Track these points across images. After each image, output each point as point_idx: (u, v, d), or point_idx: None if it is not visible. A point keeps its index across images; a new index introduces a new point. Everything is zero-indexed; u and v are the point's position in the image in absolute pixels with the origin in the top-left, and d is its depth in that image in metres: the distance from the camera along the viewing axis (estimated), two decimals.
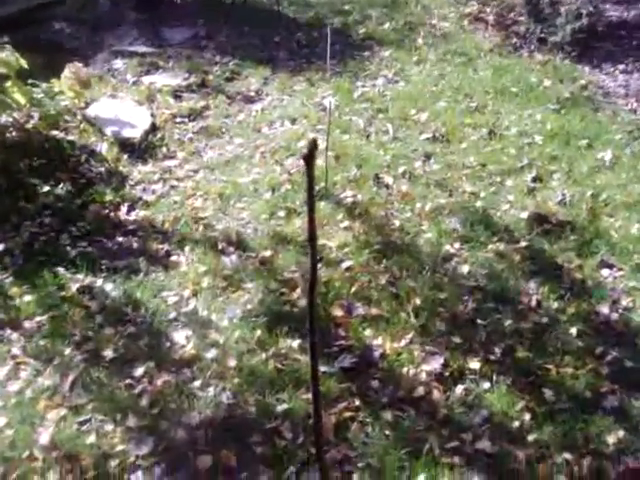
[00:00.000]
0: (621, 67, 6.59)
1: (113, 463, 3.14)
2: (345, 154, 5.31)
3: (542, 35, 6.89)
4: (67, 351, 3.71)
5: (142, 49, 6.70)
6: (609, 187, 4.98)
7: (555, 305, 4.03)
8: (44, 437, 3.24)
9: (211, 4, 7.90)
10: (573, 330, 3.85)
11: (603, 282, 4.22)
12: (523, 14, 7.29)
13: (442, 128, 5.68)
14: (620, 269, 4.32)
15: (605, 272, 4.30)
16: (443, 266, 4.29)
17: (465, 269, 4.27)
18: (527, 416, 3.36)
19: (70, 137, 5.41)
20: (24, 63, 5.21)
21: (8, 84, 5.20)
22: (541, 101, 6.06)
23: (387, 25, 7.64)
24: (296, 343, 3.74)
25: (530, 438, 3.26)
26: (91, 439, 3.24)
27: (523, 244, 4.47)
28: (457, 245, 4.46)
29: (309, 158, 1.82)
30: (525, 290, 4.12)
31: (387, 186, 5.02)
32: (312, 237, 1.99)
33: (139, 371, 3.59)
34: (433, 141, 5.56)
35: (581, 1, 6.79)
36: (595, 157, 5.33)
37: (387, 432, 3.27)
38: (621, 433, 3.24)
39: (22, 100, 5.31)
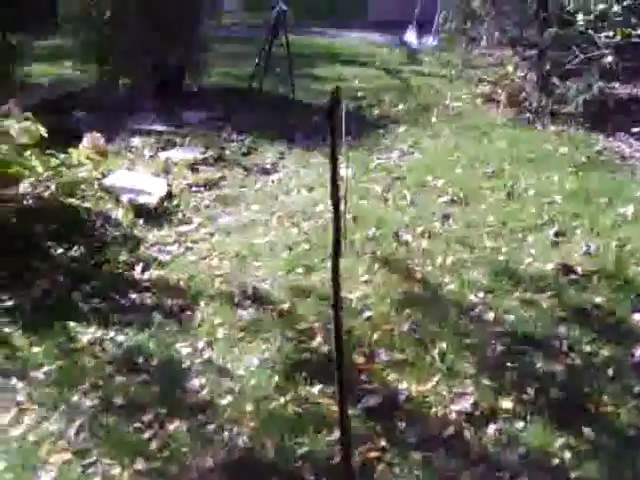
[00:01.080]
0: (635, 135, 6.59)
1: None
2: (363, 216, 5.24)
3: (554, 108, 6.95)
4: (74, 398, 3.53)
5: (159, 128, 6.82)
6: (634, 239, 4.85)
7: (588, 348, 3.82)
8: (46, 478, 3.02)
9: (228, 91, 8.14)
10: (609, 371, 3.63)
11: (636, 326, 4.01)
12: (534, 92, 7.40)
13: (460, 192, 5.63)
14: None
15: (637, 317, 4.10)
16: (468, 314, 4.12)
17: (491, 315, 4.10)
18: (568, 454, 3.10)
19: (86, 204, 5.40)
20: (44, 132, 5.29)
21: (27, 153, 5.27)
22: (558, 165, 6.03)
23: (400, 107, 7.79)
24: (316, 389, 3.53)
25: (573, 475, 2.99)
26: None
27: (549, 293, 4.30)
28: (481, 295, 4.29)
29: (332, 108, 1.74)
30: (555, 334, 3.93)
31: (406, 243, 4.92)
32: (336, 203, 1.86)
33: (149, 417, 3.39)
34: (451, 204, 5.50)
35: (591, 78, 6.87)
36: (617, 212, 5.23)
37: (416, 472, 3.02)
38: None
39: (40, 169, 5.37)
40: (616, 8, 5.74)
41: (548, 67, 6.70)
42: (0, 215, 4.97)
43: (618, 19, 5.70)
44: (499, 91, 7.80)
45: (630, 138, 6.57)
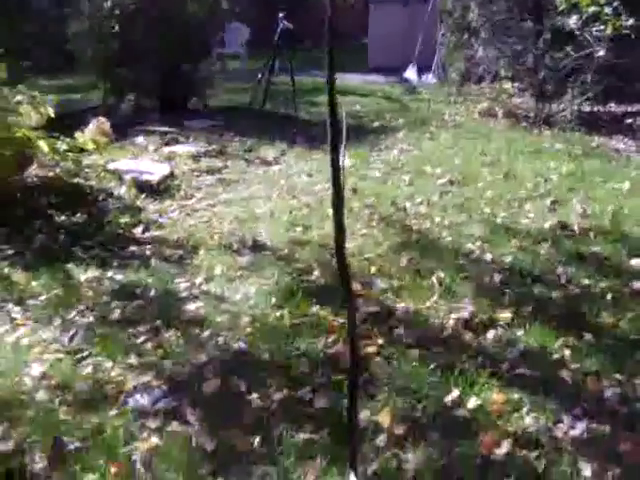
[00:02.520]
0: (629, 134, 6.71)
1: (109, 387, 2.85)
2: (362, 190, 5.32)
3: (550, 115, 7.10)
4: (70, 316, 3.50)
5: (163, 129, 6.96)
6: (630, 206, 4.88)
7: (586, 281, 3.81)
8: (35, 369, 2.98)
9: (231, 108, 8.34)
10: (608, 297, 3.60)
11: (632, 267, 4.00)
12: (531, 103, 7.56)
13: (458, 176, 5.71)
14: None
15: (634, 261, 4.08)
16: (465, 256, 4.12)
17: (488, 257, 4.11)
18: (567, 351, 3.06)
19: (90, 183, 5.48)
20: (52, 112, 5.43)
21: (34, 134, 5.38)
22: (554, 156, 6.14)
23: (400, 120, 7.96)
24: (314, 308, 3.50)
25: (573, 366, 2.94)
26: (87, 370, 2.97)
27: (546, 244, 4.30)
28: (478, 243, 4.31)
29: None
30: (552, 271, 3.92)
31: (404, 209, 4.96)
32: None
33: (145, 327, 3.36)
34: (450, 185, 5.56)
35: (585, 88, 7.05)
36: (612, 187, 5.29)
37: (415, 364, 2.97)
38: None
39: (45, 148, 5.46)
40: (607, 10, 5.96)
41: (544, 73, 6.88)
42: (3, 191, 5.02)
43: (608, 18, 5.91)
44: (496, 108, 7.97)
45: (625, 138, 6.68)
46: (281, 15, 7.98)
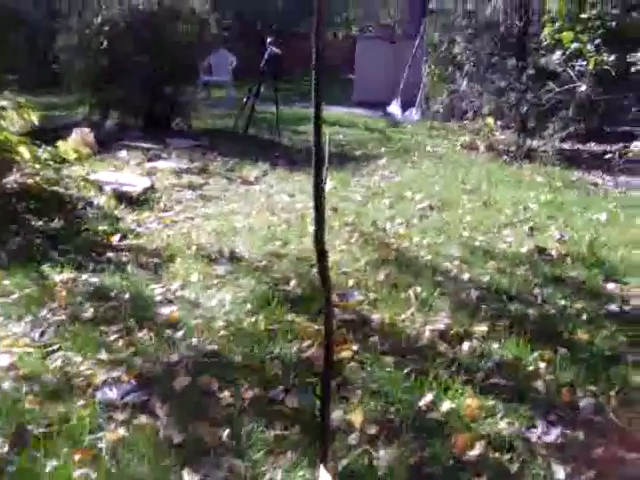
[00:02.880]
0: (607, 175, 6.81)
1: (78, 380, 2.79)
2: (342, 210, 5.34)
3: (532, 148, 7.20)
4: (41, 314, 3.44)
5: (147, 145, 6.95)
6: (607, 234, 4.94)
7: (562, 302, 3.81)
8: (3, 360, 2.92)
9: (214, 131, 8.37)
10: (583, 316, 3.61)
11: (609, 291, 4.02)
12: (512, 143, 7.67)
13: (438, 203, 5.74)
14: (625, 283, 4.14)
15: (609, 285, 4.11)
16: (443, 274, 4.12)
17: (466, 276, 4.11)
18: (542, 364, 3.05)
19: (69, 192, 5.44)
20: (35, 119, 5.41)
21: (15, 139, 5.35)
22: (534, 187, 6.20)
23: (382, 149, 8.03)
24: (290, 316, 3.47)
25: (548, 378, 2.93)
26: (56, 364, 2.91)
27: (524, 267, 4.32)
28: (456, 263, 4.31)
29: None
30: (529, 292, 3.92)
31: (384, 230, 4.97)
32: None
33: (117, 327, 3.31)
34: (429, 210, 5.59)
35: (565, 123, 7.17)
36: (590, 218, 5.35)
37: (389, 370, 2.95)
38: None
39: (26, 155, 5.43)
40: (589, 47, 6.09)
41: (526, 108, 7.00)
42: None
43: (591, 55, 6.04)
44: (478, 141, 8.08)
45: (603, 173, 6.78)
46: (269, 40, 8.07)
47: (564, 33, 6.10)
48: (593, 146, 8.22)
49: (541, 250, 4.59)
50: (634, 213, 5.47)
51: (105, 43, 7.43)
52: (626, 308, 3.75)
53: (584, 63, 6.05)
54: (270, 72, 8.14)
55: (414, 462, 2.30)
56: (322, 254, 2.05)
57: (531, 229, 5.05)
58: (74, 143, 5.68)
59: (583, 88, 6.20)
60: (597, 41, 6.23)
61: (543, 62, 6.69)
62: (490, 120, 7.97)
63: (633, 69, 5.96)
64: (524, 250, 4.61)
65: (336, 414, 2.54)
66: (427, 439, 2.42)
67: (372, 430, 2.47)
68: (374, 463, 2.28)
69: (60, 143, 5.69)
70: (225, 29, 11.22)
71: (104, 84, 7.75)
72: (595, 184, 6.48)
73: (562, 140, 7.25)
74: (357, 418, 2.51)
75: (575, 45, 6.20)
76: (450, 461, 2.32)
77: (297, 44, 12.99)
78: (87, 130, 5.83)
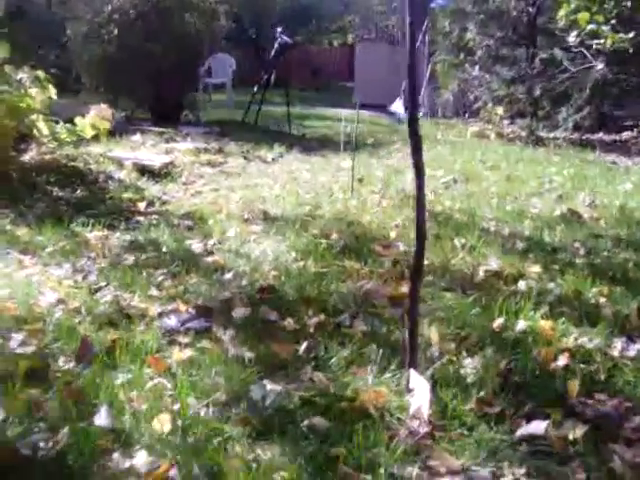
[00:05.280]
0: (624, 154, 6.81)
1: (132, 311, 2.69)
2: (369, 179, 5.29)
3: (544, 135, 7.19)
4: (81, 262, 3.33)
5: (160, 130, 6.88)
6: (636, 200, 4.90)
7: (606, 254, 3.74)
8: (50, 296, 2.80)
9: (223, 121, 8.31)
10: (629, 265, 3.53)
11: None
12: (524, 130, 7.67)
13: (461, 176, 5.70)
14: None
15: None
16: (482, 229, 4.06)
17: (506, 231, 4.05)
18: (602, 299, 2.97)
19: (89, 166, 5.35)
20: (54, 94, 5.32)
21: (34, 117, 5.26)
22: (554, 164, 6.17)
23: (394, 137, 8.01)
24: (337, 261, 3.38)
25: (613, 308, 2.86)
26: (106, 299, 2.80)
27: (559, 227, 4.25)
28: (493, 223, 4.25)
29: None
30: (571, 244, 3.86)
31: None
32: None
33: (162, 271, 3.20)
34: (453, 183, 5.54)
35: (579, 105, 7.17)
36: (616, 188, 5.32)
37: (454, 299, 2.87)
38: None
39: (45, 130, 5.35)
40: (605, 28, 6.11)
41: (539, 93, 6.99)
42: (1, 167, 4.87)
43: (606, 34, 6.05)
44: (487, 131, 8.07)
45: (619, 155, 6.78)
46: (279, 29, 8.05)
47: (580, 14, 6.09)
48: (602, 136, 8.23)
49: (573, 213, 4.54)
50: None
51: (115, 32, 7.36)
52: None
53: (602, 41, 6.05)
54: (280, 62, 8.11)
55: (500, 372, 2.21)
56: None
57: (560, 197, 5.01)
58: (92, 119, 5.58)
59: (600, 67, 6.20)
60: (613, 21, 6.24)
61: (556, 44, 6.69)
62: (500, 108, 7.97)
63: None
64: (556, 213, 4.55)
65: None
66: (509, 352, 2.33)
67: (451, 346, 2.39)
68: (460, 372, 2.19)
69: (78, 119, 5.60)
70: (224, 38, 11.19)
71: (114, 74, 7.67)
72: (614, 162, 6.47)
73: (574, 129, 7.23)
74: (434, 336, 2.42)
75: (591, 26, 6.21)
76: (536, 371, 2.24)
77: (292, 54, 12.98)
78: (105, 106, 5.73)
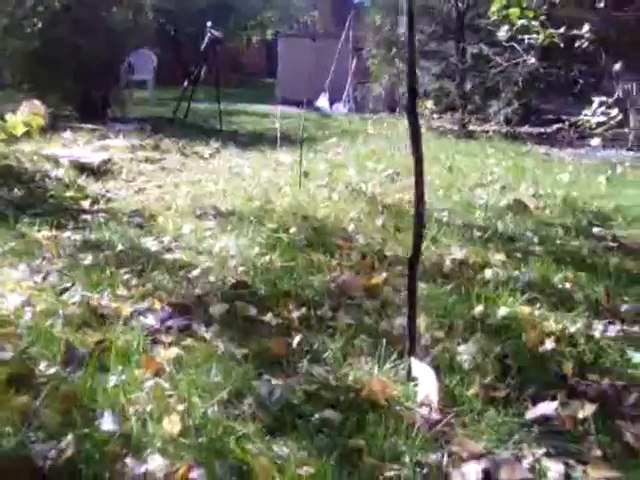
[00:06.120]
0: (556, 146, 7.03)
1: (105, 312, 2.57)
2: (314, 176, 5.25)
3: (476, 126, 7.35)
4: (36, 262, 3.16)
5: (91, 126, 6.64)
6: (577, 190, 5.07)
7: (559, 242, 3.86)
8: (14, 299, 2.64)
9: (152, 118, 8.11)
10: (584, 251, 3.66)
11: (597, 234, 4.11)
12: (455, 123, 7.80)
13: (402, 169, 5.73)
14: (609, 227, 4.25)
15: (595, 229, 4.19)
16: (438, 221, 4.10)
17: (459, 222, 4.11)
18: (569, 284, 3.06)
19: (24, 166, 5.10)
20: None
21: None
22: (490, 157, 6.31)
23: (326, 132, 8.02)
24: (303, 255, 3.34)
25: (582, 292, 2.94)
26: (75, 299, 2.67)
27: (509, 217, 4.35)
28: (445, 213, 4.31)
29: None
30: (525, 234, 3.96)
31: (360, 189, 4.91)
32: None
33: (126, 270, 3.07)
34: (396, 175, 5.57)
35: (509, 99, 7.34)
36: (555, 179, 5.49)
37: (429, 288, 2.88)
38: None
39: None
40: (535, 23, 6.26)
41: (470, 87, 7.14)
42: None
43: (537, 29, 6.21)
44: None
45: (551, 147, 6.99)
46: (209, 24, 7.90)
47: (511, 9, 6.23)
48: (530, 129, 8.47)
49: (520, 203, 4.65)
50: (592, 175, 5.65)
51: (40, 25, 7.05)
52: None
53: (534, 36, 6.21)
54: (210, 57, 7.97)
55: (494, 357, 2.23)
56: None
57: (503, 187, 5.13)
58: (23, 115, 5.31)
59: (532, 61, 6.38)
60: (542, 17, 6.42)
61: (486, 41, 6.84)
62: (430, 102, 8.09)
63: (577, 43, 6.15)
64: (504, 203, 4.66)
65: (397, 321, 2.45)
66: (498, 338, 2.36)
67: (440, 333, 2.39)
68: (457, 359, 2.20)
69: (8, 116, 5.31)
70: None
71: (38, 68, 7.35)
72: (547, 154, 6.67)
73: (504, 122, 7.42)
74: (420, 324, 2.42)
75: (522, 21, 6.35)
76: (528, 355, 2.27)
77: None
78: (37, 102, 5.45)
